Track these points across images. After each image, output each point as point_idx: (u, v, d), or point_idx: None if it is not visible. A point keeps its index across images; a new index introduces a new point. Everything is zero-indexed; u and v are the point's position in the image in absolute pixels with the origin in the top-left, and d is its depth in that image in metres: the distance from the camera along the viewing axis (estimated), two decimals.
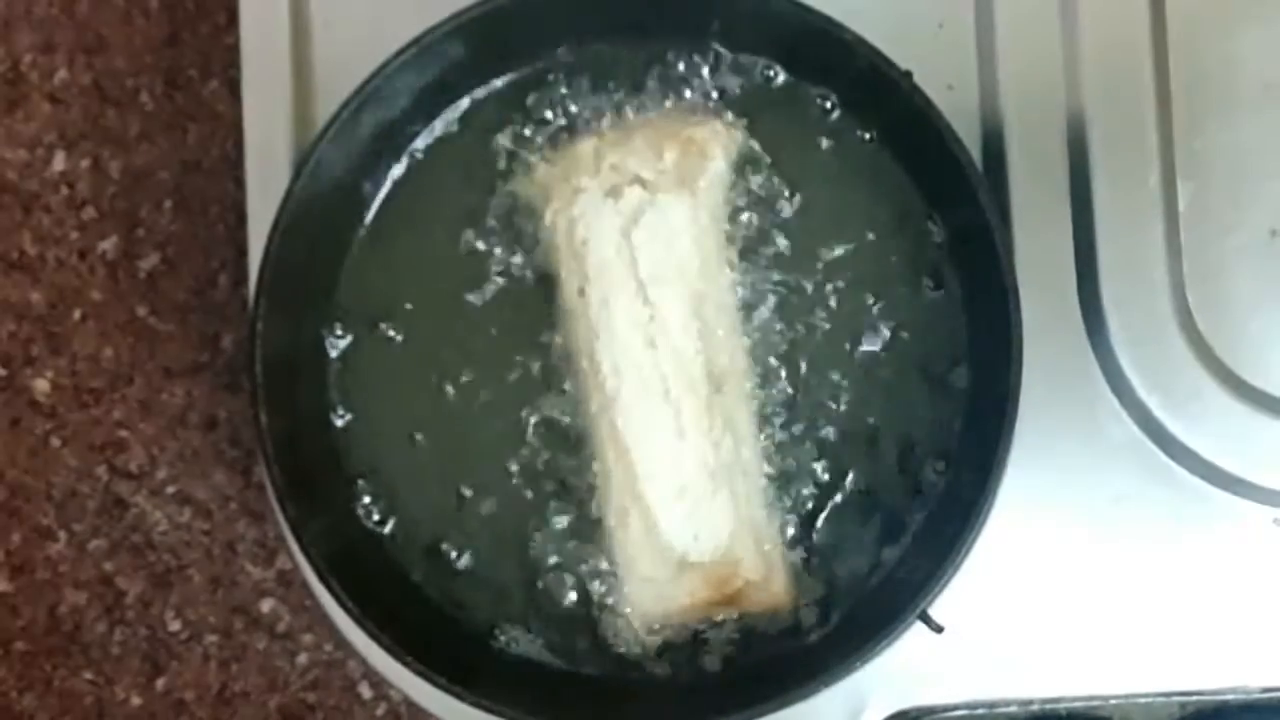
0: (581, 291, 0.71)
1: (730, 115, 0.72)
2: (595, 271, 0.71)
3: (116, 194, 0.86)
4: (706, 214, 0.71)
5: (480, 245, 0.72)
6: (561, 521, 0.71)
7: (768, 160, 0.72)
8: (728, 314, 0.71)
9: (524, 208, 0.72)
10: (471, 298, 0.72)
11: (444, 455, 0.71)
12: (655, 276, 0.70)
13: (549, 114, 0.72)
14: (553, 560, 0.71)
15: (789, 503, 0.71)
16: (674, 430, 0.70)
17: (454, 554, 0.71)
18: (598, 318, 0.70)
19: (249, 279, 0.70)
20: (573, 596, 0.71)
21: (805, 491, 0.71)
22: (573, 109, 0.72)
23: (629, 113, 0.72)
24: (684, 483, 0.70)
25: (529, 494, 0.71)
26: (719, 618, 0.70)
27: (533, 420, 0.71)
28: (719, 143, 0.71)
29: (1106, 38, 0.75)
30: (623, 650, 0.70)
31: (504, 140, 0.72)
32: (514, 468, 0.71)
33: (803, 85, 0.72)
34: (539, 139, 0.72)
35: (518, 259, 0.72)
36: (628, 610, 0.70)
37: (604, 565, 0.71)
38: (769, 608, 0.70)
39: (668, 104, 0.72)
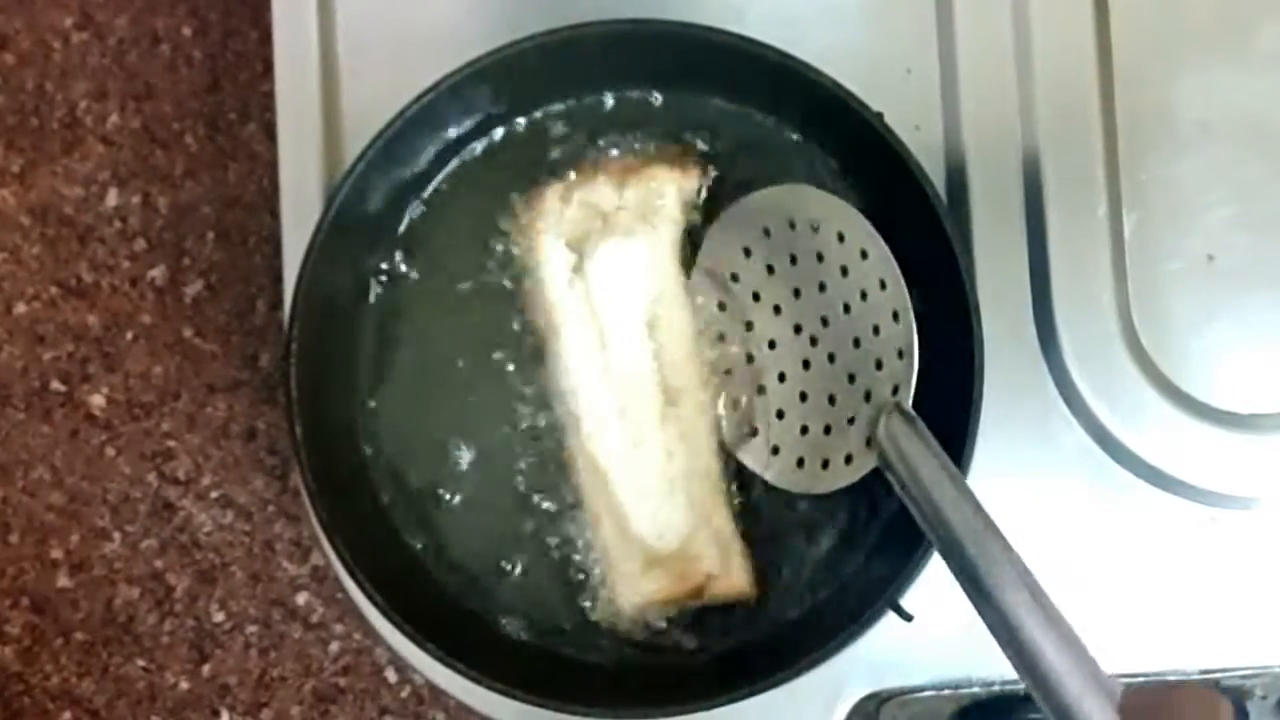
0: (546, 322, 0.71)
1: (696, 149, 0.72)
2: (552, 305, 0.71)
3: (164, 227, 0.87)
4: (663, 245, 0.71)
5: (487, 278, 0.72)
6: (556, 525, 0.72)
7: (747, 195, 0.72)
8: (682, 336, 0.71)
9: (513, 244, 0.73)
10: (484, 324, 0.72)
11: (456, 464, 0.72)
12: (608, 306, 0.71)
13: (541, 156, 0.73)
14: (549, 558, 0.71)
15: (764, 502, 0.72)
16: (631, 442, 0.71)
17: (467, 553, 0.71)
18: (559, 346, 0.71)
19: (284, 303, 0.71)
20: (570, 591, 0.71)
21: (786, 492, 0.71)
22: (564, 151, 0.73)
23: (609, 154, 0.72)
24: (644, 488, 0.71)
25: (531, 502, 0.72)
26: (690, 607, 0.71)
27: (535, 440, 0.72)
28: (675, 180, 0.71)
29: (1058, 82, 0.75)
30: (614, 639, 0.71)
31: (504, 182, 0.73)
32: (518, 478, 0.72)
33: (782, 126, 0.72)
34: (529, 178, 0.72)
35: (514, 290, 0.73)
36: (612, 603, 0.71)
37: (591, 565, 0.71)
38: (733, 598, 0.71)
39: (640, 145, 0.72)
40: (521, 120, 0.73)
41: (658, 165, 0.72)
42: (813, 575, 0.72)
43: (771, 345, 0.71)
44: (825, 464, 0.68)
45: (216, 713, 0.86)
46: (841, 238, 0.67)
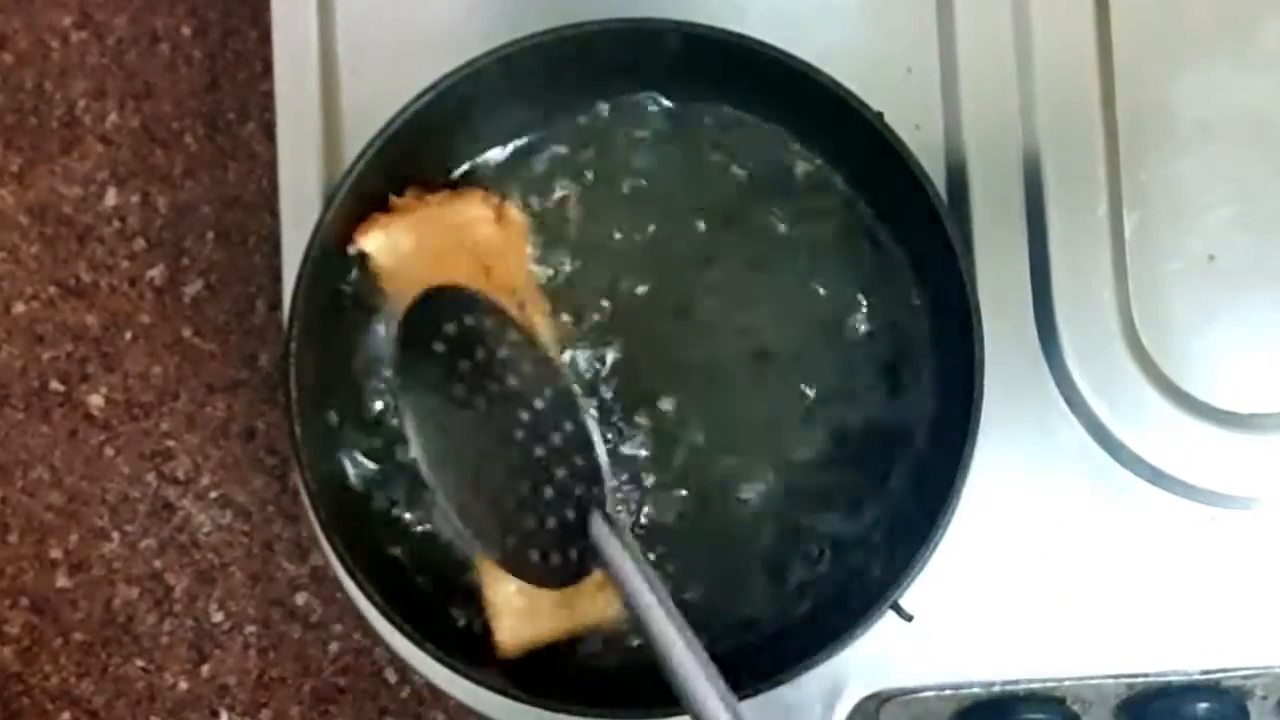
0: None
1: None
2: None
3: (163, 226, 0.87)
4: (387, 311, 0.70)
5: None
6: None
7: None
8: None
9: None
10: None
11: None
12: None
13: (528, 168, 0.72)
14: None
15: (763, 502, 0.71)
16: None
17: (465, 553, 0.70)
18: None
19: (284, 303, 0.70)
20: None
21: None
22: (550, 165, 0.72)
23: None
24: None
25: None
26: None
27: None
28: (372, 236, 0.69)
29: (1058, 81, 0.75)
30: (611, 640, 0.70)
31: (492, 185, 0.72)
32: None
33: (779, 127, 0.72)
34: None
35: None
36: None
37: None
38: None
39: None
40: (525, 120, 0.72)
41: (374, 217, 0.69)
42: (811, 576, 0.71)
43: (478, 436, 0.65)
44: (552, 557, 0.63)
45: (215, 713, 0.86)
46: (510, 340, 0.64)
